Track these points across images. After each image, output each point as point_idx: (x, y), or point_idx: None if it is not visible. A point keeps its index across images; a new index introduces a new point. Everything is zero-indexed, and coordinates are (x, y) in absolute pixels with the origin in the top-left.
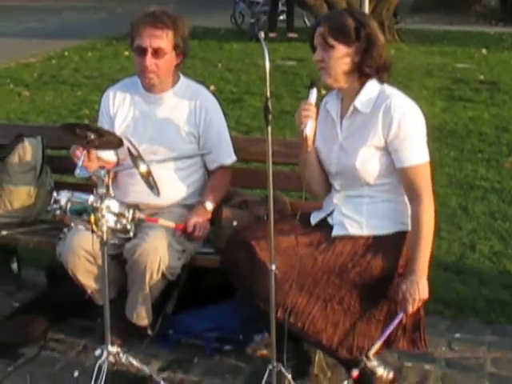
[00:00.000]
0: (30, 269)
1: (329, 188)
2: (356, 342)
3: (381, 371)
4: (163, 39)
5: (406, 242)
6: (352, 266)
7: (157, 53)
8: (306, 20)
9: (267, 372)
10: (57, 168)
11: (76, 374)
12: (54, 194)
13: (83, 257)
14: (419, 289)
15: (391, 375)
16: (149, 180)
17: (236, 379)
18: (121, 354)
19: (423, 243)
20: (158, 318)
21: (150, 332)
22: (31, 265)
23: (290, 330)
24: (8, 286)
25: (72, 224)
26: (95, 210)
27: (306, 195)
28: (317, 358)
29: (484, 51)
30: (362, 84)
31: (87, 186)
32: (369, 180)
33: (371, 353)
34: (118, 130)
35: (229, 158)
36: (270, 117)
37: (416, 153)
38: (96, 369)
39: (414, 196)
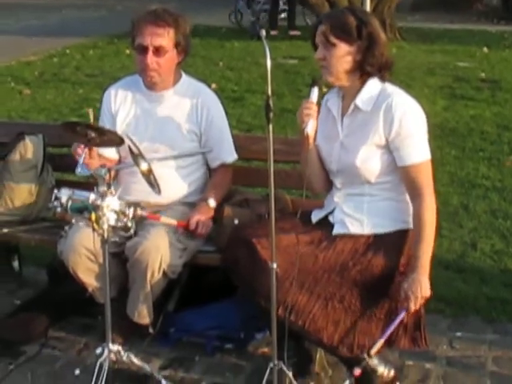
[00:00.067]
0: (31, 267)
1: (330, 186)
2: (357, 340)
3: (382, 369)
4: (164, 37)
5: (408, 241)
6: (353, 264)
7: (158, 51)
8: (307, 19)
9: (268, 370)
10: (58, 166)
11: (77, 372)
12: (55, 191)
13: (84, 255)
14: (421, 287)
15: (392, 373)
16: (150, 178)
17: (237, 377)
18: (122, 353)
19: (425, 241)
20: (159, 316)
21: (151, 330)
22: (32, 263)
23: (291, 328)
24: (9, 284)
25: (73, 220)
26: (96, 208)
27: (307, 193)
28: (318, 356)
29: (485, 50)
30: (364, 82)
31: (88, 184)
32: (369, 178)
33: (373, 351)
34: (120, 128)
35: (230, 156)
36: (272, 115)
37: (417, 151)
38: (97, 367)
39: (415, 194)
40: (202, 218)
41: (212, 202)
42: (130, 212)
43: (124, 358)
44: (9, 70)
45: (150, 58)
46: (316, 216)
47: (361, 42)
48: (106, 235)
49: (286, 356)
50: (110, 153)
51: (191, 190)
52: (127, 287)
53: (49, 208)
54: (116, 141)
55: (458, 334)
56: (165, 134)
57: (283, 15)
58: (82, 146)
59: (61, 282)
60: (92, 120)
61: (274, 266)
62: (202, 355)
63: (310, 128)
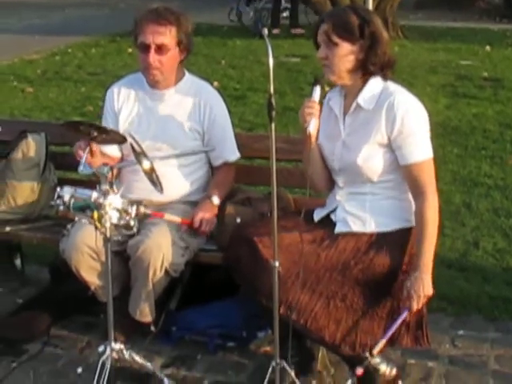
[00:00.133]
0: (33, 265)
1: (332, 185)
2: (359, 338)
3: (384, 368)
4: (166, 36)
5: (411, 239)
6: (355, 263)
7: (160, 49)
8: (309, 17)
9: (270, 369)
10: (60, 164)
11: (79, 370)
12: (58, 189)
13: (86, 253)
14: (424, 285)
15: (394, 372)
16: (152, 177)
17: (239, 376)
18: (124, 351)
19: (427, 240)
20: (161, 314)
21: (153, 329)
22: (35, 261)
23: (293, 327)
24: (11, 283)
25: (75, 219)
26: (98, 206)
27: (310, 192)
28: (320, 354)
29: (488, 48)
30: (366, 81)
31: (90, 183)
32: (372, 177)
33: (375, 351)
34: (122, 126)
35: (233, 154)
36: (274, 113)
37: (420, 149)
38: (99, 365)
39: (418, 193)
40: (206, 215)
41: (216, 200)
42: (133, 210)
43: (126, 357)
44: (11, 68)
45: (153, 56)
46: (318, 215)
47: (363, 40)
48: (108, 233)
49: (290, 355)
50: (113, 151)
51: (193, 189)
52: (129, 286)
53: (51, 206)
54: (118, 139)
55: (461, 332)
56: (167, 133)
57: (285, 14)
58: (84, 145)
59: (63, 281)
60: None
61: (276, 264)
62: (204, 353)
63: (313, 127)
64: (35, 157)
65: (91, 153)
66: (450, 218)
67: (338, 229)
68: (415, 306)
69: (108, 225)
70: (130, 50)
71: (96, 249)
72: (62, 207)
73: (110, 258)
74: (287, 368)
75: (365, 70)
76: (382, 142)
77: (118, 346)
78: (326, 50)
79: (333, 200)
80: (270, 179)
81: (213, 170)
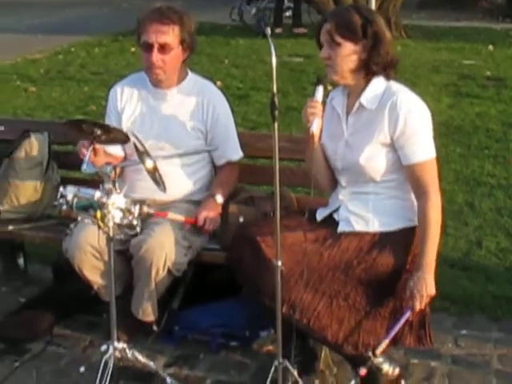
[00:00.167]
0: (36, 264)
1: (335, 184)
2: (361, 338)
3: (387, 367)
4: (169, 35)
5: (414, 239)
6: (357, 262)
7: (163, 48)
8: (312, 17)
9: (273, 368)
10: (63, 164)
11: (82, 369)
12: (61, 188)
13: (89, 252)
14: (426, 285)
15: (397, 372)
16: (155, 176)
17: (242, 375)
18: (127, 350)
19: (430, 240)
20: (163, 313)
21: (155, 328)
22: (37, 260)
23: (296, 326)
24: (14, 282)
25: (78, 218)
26: (101, 205)
27: (314, 191)
28: (323, 354)
29: (491, 47)
30: (369, 81)
31: (94, 182)
32: (374, 176)
33: (378, 351)
34: (125, 125)
35: (236, 154)
36: (277, 113)
37: (422, 149)
38: (102, 364)
39: (420, 192)
40: (210, 214)
41: (219, 198)
42: (136, 210)
43: (129, 356)
44: (14, 67)
45: (155, 55)
46: (321, 214)
47: (366, 40)
48: (111, 233)
49: (293, 354)
50: (116, 150)
51: (196, 188)
52: (132, 285)
53: (54, 206)
54: (121, 138)
55: (464, 332)
56: (170, 132)
57: (288, 13)
58: (87, 144)
59: (66, 280)
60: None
61: (279, 263)
62: (206, 353)
63: (316, 127)
64: (38, 156)
65: (94, 152)
66: (452, 218)
67: (341, 228)
68: (418, 306)
69: (111, 224)
70: (132, 50)
71: (99, 248)
72: (64, 206)
73: (113, 258)
74: (290, 367)
75: (368, 69)
76: (384, 141)
77: (120, 345)
78: (328, 49)
79: (335, 199)
80: (273, 178)
81: (216, 169)
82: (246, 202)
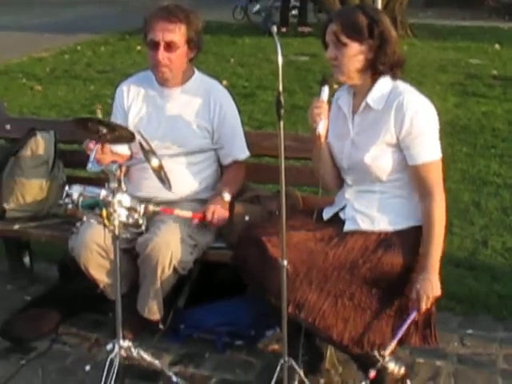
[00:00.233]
0: (42, 263)
1: (342, 183)
2: (367, 337)
3: (392, 367)
4: (176, 33)
5: (420, 238)
6: (363, 261)
7: (169, 47)
8: (319, 16)
9: (278, 367)
10: (69, 162)
11: (88, 368)
12: (66, 187)
13: (95, 251)
14: (432, 287)
15: (403, 371)
16: (160, 174)
17: (247, 374)
18: (132, 349)
19: (435, 240)
20: (169, 312)
21: (161, 326)
22: (43, 259)
23: (301, 325)
24: (20, 280)
25: (84, 217)
26: (107, 204)
27: (321, 191)
28: (328, 353)
29: (497, 46)
30: (375, 80)
31: (99, 181)
32: (380, 176)
33: (386, 353)
34: (132, 123)
35: (242, 153)
36: (283, 112)
37: (428, 150)
38: (107, 363)
39: (425, 193)
40: (217, 207)
41: (226, 196)
42: (141, 208)
43: (134, 354)
44: (20, 66)
45: (162, 53)
46: (327, 213)
47: (372, 40)
48: (116, 231)
49: (301, 353)
50: (122, 148)
51: (202, 187)
52: (138, 283)
53: (60, 204)
54: (127, 137)
55: (469, 331)
56: (176, 131)
57: (294, 12)
58: (94, 142)
59: (72, 278)
60: (101, 116)
61: (285, 263)
62: (212, 351)
63: (322, 127)
64: (44, 154)
65: (101, 149)
66: (458, 217)
67: (347, 227)
68: (424, 307)
69: (117, 223)
70: (138, 48)
71: (105, 247)
72: (70, 205)
73: (119, 256)
74: (295, 366)
75: (374, 69)
76: (390, 141)
77: (126, 343)
78: (334, 50)
79: (342, 198)
80: (279, 177)
81: (222, 168)
82: (251, 201)
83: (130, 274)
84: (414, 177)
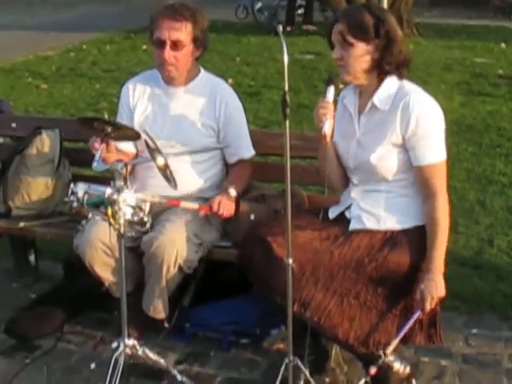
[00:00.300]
0: (47, 261)
1: (347, 182)
2: (372, 336)
3: (397, 366)
4: (182, 31)
5: (425, 237)
6: (369, 260)
7: (175, 45)
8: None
9: (283, 366)
10: (74, 161)
11: (93, 366)
12: (72, 185)
13: (100, 249)
14: (437, 287)
15: (408, 370)
16: (166, 173)
17: (252, 373)
18: (137, 347)
19: (439, 241)
20: (174, 311)
21: (166, 325)
22: (49, 257)
23: (307, 325)
24: (25, 278)
25: (89, 215)
26: (112, 202)
27: (324, 189)
28: (333, 352)
29: (503, 45)
30: (381, 80)
31: (105, 179)
32: (386, 176)
33: (389, 351)
34: (137, 122)
35: (248, 152)
36: (288, 110)
37: (433, 151)
38: (113, 361)
39: (428, 194)
40: (223, 198)
41: (232, 191)
42: (146, 207)
43: (139, 353)
44: (26, 64)
45: (168, 52)
46: (333, 212)
47: (378, 40)
48: (122, 230)
49: (301, 352)
50: (128, 147)
51: (207, 186)
52: (143, 282)
53: (65, 202)
54: (132, 136)
55: (474, 331)
56: (182, 129)
57: (300, 11)
58: (99, 141)
59: (77, 277)
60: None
61: (290, 261)
62: (217, 350)
63: (327, 127)
64: (49, 153)
65: (107, 147)
66: (464, 216)
67: (353, 226)
68: (428, 307)
69: (122, 221)
70: (144, 47)
71: (110, 245)
72: (75, 203)
73: (124, 254)
74: (300, 365)
75: (380, 69)
76: (396, 142)
77: (131, 342)
78: (341, 50)
79: (347, 197)
80: (284, 176)
81: (228, 167)
82: (257, 200)
83: (135, 272)
84: (417, 177)
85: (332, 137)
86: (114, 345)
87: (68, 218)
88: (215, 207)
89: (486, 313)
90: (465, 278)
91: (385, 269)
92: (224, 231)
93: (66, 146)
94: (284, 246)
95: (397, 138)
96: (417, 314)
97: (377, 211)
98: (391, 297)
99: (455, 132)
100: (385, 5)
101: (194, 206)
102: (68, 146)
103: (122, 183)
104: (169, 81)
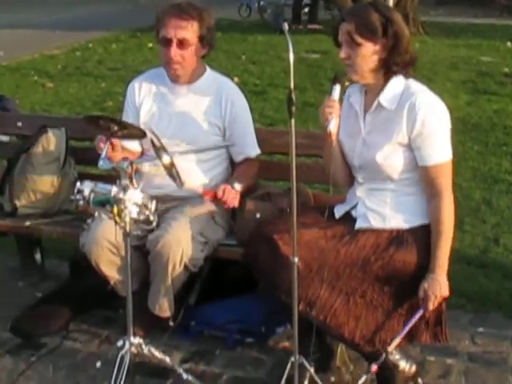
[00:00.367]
0: (53, 259)
1: (352, 181)
2: (378, 335)
3: (403, 365)
4: (188, 30)
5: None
6: (375, 259)
7: (182, 44)
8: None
9: (289, 364)
10: (80, 159)
11: (98, 364)
12: (78, 184)
13: (106, 248)
14: (440, 287)
15: (413, 369)
16: (172, 172)
17: (258, 371)
18: (143, 346)
19: (443, 241)
20: (180, 309)
21: (172, 323)
22: (54, 255)
23: (312, 323)
24: (31, 277)
25: (95, 214)
26: (118, 201)
27: (332, 188)
28: (339, 351)
29: (509, 44)
30: (388, 79)
31: (110, 178)
32: (392, 174)
33: (391, 348)
34: (143, 120)
35: (253, 150)
36: (294, 109)
37: (439, 151)
38: (118, 360)
39: (434, 193)
40: (228, 187)
41: (237, 186)
42: (152, 205)
43: (145, 351)
44: (32, 63)
45: (174, 50)
46: (339, 211)
47: (386, 40)
48: (127, 228)
49: (306, 351)
50: (133, 145)
51: (212, 185)
52: (149, 280)
53: (71, 201)
54: (138, 134)
55: (480, 329)
56: (188, 128)
57: (306, 10)
58: (105, 139)
59: (82, 275)
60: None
61: (296, 260)
62: (222, 349)
63: (333, 126)
64: (55, 151)
65: (112, 146)
66: (470, 215)
67: (358, 225)
68: (431, 307)
69: (128, 219)
70: (150, 46)
71: (116, 243)
72: (81, 202)
73: (130, 253)
74: (306, 364)
75: (387, 68)
76: (402, 141)
77: (136, 340)
78: (348, 50)
79: (353, 196)
80: (290, 174)
81: (233, 166)
82: (262, 198)
83: (140, 270)
84: (423, 177)
85: (337, 135)
86: (120, 343)
87: (74, 217)
88: (220, 193)
89: (492, 311)
90: (471, 277)
91: (391, 267)
92: (229, 229)
93: (71, 145)
94: (290, 244)
95: (403, 138)
96: (419, 313)
97: (382, 210)
98: (397, 295)
99: (461, 131)
100: (390, 3)
101: (199, 190)
102: (74, 145)
103: (128, 182)
104: (175, 79)
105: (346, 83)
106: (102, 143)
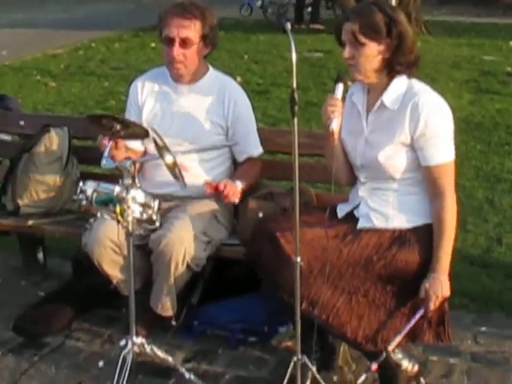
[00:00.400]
0: (55, 259)
1: (354, 180)
2: (381, 334)
3: (406, 364)
4: (191, 29)
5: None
6: (377, 258)
7: (184, 43)
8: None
9: (292, 364)
10: (83, 159)
11: (101, 364)
12: (80, 183)
13: (109, 247)
14: (442, 287)
15: (416, 368)
16: (174, 171)
17: (260, 371)
18: (145, 345)
19: (445, 241)
20: (182, 308)
21: (174, 323)
22: (57, 255)
23: (315, 322)
24: (34, 276)
25: (98, 214)
26: (121, 200)
27: (334, 187)
28: (341, 350)
29: (511, 44)
30: (391, 79)
31: (113, 177)
32: (394, 174)
33: (391, 347)
34: (146, 119)
35: (256, 149)
36: (297, 108)
37: (442, 151)
38: (121, 359)
39: (436, 194)
40: (229, 182)
41: (239, 183)
42: (155, 204)
43: (147, 351)
44: (35, 62)
45: (177, 49)
46: (342, 210)
47: (390, 40)
48: (130, 228)
49: (309, 350)
50: (136, 144)
51: None
52: (151, 280)
53: (74, 200)
54: (141, 133)
55: (483, 329)
56: (190, 127)
57: (309, 9)
58: (108, 139)
59: (85, 274)
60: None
61: (298, 259)
62: (225, 348)
63: (335, 124)
64: (58, 151)
65: (115, 145)
66: (472, 214)
67: (361, 224)
68: (432, 307)
69: (130, 219)
70: (153, 45)
71: (118, 243)
72: (84, 201)
73: (132, 252)
74: (308, 363)
75: (391, 68)
76: (405, 141)
77: (139, 339)
78: (352, 49)
79: (356, 195)
80: (293, 174)
81: (236, 166)
82: (265, 198)
83: (143, 270)
84: (425, 177)
85: (340, 134)
86: (122, 343)
87: (76, 216)
88: (221, 187)
89: (495, 311)
90: (473, 277)
91: (393, 267)
92: (232, 229)
93: (74, 144)
94: (292, 243)
95: (405, 138)
96: (420, 312)
97: (385, 210)
98: (400, 295)
99: (464, 130)
100: (393, 2)
101: (200, 181)
102: (76, 144)
103: (131, 181)
104: (177, 78)
105: (349, 82)
106: (104, 142)
